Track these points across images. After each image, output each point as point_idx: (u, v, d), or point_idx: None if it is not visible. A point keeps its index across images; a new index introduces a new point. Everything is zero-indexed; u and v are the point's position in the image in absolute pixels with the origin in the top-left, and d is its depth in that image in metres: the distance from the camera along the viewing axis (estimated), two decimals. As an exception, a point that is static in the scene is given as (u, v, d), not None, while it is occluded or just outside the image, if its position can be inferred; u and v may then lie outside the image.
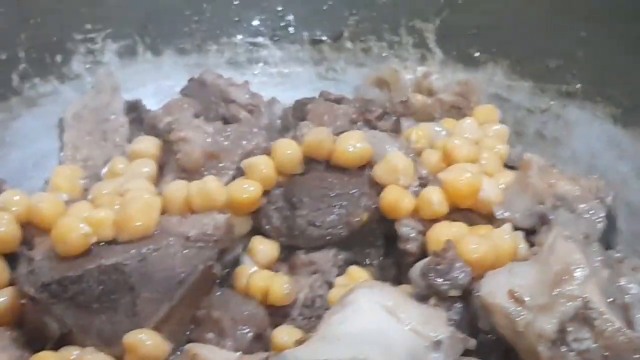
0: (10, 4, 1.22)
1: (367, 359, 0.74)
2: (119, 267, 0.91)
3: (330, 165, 1.07)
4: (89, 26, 1.30)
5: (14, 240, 0.97)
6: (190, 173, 1.07)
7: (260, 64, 1.38)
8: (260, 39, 1.38)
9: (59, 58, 1.28)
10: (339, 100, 1.19)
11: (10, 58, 1.23)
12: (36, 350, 0.90)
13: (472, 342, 0.84)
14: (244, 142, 1.10)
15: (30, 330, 0.94)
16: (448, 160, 1.08)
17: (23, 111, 1.25)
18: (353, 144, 1.05)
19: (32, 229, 0.99)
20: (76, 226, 0.92)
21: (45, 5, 1.24)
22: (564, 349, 0.81)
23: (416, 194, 1.03)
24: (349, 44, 1.38)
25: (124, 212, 0.95)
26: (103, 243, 0.93)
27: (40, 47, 1.26)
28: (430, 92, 1.31)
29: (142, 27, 1.33)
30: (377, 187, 1.04)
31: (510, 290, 0.84)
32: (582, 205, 1.03)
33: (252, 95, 1.24)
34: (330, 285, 1.00)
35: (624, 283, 0.94)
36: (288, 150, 1.07)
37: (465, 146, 1.09)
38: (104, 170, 1.16)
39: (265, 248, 1.04)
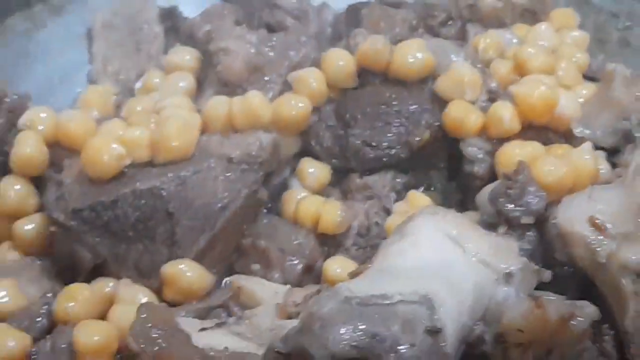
0: None
1: (429, 294, 0.73)
2: (156, 191, 0.91)
3: (388, 78, 1.05)
4: None
5: (42, 162, 0.98)
6: (232, 87, 1.07)
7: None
8: None
9: (87, -43, 1.27)
10: (397, 5, 1.18)
11: (33, -42, 1.23)
12: (68, 281, 0.91)
13: (546, 275, 0.83)
14: (291, 53, 1.09)
15: (61, 260, 0.96)
16: (520, 71, 1.06)
17: (48, 20, 1.25)
18: (413, 54, 1.04)
19: (60, 149, 0.99)
20: (108, 146, 0.92)
21: None
22: (651, 283, 0.81)
23: (484, 110, 1.01)
24: None
25: (160, 131, 0.95)
26: (138, 165, 0.94)
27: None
28: (502, -2, 1.28)
29: None
30: (440, 103, 1.02)
31: (591, 217, 0.83)
32: (675, 121, 1.01)
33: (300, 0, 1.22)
34: (387, 212, 1.00)
35: None
36: (340, 61, 1.05)
37: (540, 55, 1.07)
38: (138, 84, 1.17)
39: (315, 171, 1.04)
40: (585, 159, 0.94)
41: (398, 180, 1.03)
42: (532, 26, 1.18)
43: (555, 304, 0.76)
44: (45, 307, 0.88)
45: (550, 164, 0.92)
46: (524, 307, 0.75)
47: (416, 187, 1.04)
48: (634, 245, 0.81)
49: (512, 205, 0.88)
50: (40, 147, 0.98)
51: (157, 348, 0.74)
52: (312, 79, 1.04)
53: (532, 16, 1.24)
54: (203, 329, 0.81)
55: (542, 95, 0.99)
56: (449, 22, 1.12)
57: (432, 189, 1.06)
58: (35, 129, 0.98)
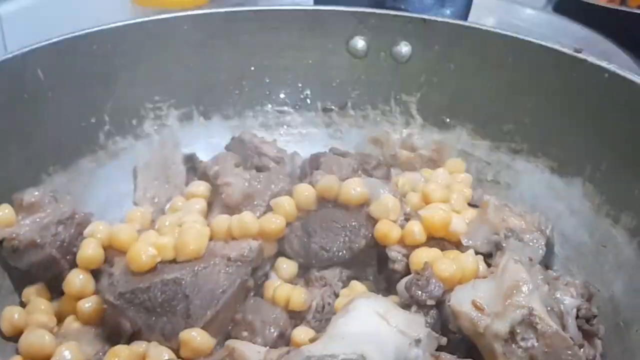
0: (98, 83, 1.23)
1: (364, 354, 0.74)
2: (177, 280, 0.91)
3: (337, 204, 1.06)
4: (157, 97, 1.30)
5: (99, 259, 0.98)
6: (231, 209, 1.07)
7: (285, 127, 1.38)
8: (285, 108, 1.39)
9: (134, 121, 1.29)
10: (344, 155, 1.20)
11: (99, 121, 1.24)
12: (114, 344, 0.91)
13: (443, 340, 0.84)
14: (273, 186, 1.10)
15: (109, 329, 0.94)
16: (426, 200, 1.08)
17: (107, 161, 1.26)
18: (354, 188, 1.05)
19: (112, 251, 0.99)
20: (145, 249, 0.93)
21: (125, 81, 1.25)
22: (514, 346, 0.81)
23: (402, 226, 1.02)
24: (351, 112, 1.38)
25: (182, 238, 0.95)
26: (166, 262, 0.94)
27: (121, 113, 1.27)
28: (412, 149, 1.31)
29: (197, 98, 1.34)
30: (373, 221, 1.03)
31: (473, 301, 0.84)
32: (527, 236, 1.03)
33: (279, 150, 1.24)
34: (336, 295, 1.00)
35: (559, 295, 0.94)
36: (306, 192, 1.07)
37: (439, 190, 1.09)
38: (167, 206, 1.17)
39: (287, 266, 1.04)
40: (470, 260, 0.96)
41: (344, 273, 1.03)
42: (433, 170, 1.21)
43: (448, 360, 0.76)
44: (97, 361, 0.88)
45: (446, 264, 0.93)
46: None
47: (356, 278, 1.03)
48: (502, 321, 0.82)
49: (420, 292, 0.89)
50: (99, 249, 0.98)
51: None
52: (287, 204, 1.05)
53: (434, 163, 1.28)
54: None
55: (441, 217, 1.01)
56: (378, 167, 1.14)
57: (367, 279, 1.05)
58: (96, 237, 0.98)
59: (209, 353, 0.90)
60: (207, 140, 1.31)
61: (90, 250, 0.97)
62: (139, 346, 0.89)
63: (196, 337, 0.89)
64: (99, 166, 1.24)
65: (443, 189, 1.10)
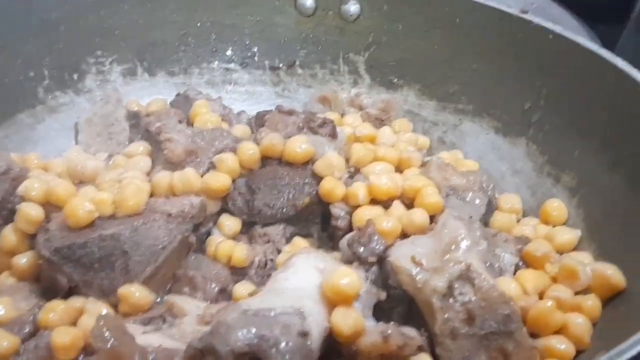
0: (37, 35, 1.19)
1: (302, 307, 0.73)
2: (116, 236, 0.89)
3: (282, 161, 1.05)
4: (99, 52, 1.27)
5: (39, 222, 0.94)
6: (174, 165, 1.04)
7: (232, 84, 1.37)
8: (232, 65, 1.37)
9: (75, 76, 1.26)
10: (290, 112, 1.17)
11: (37, 75, 1.21)
12: (49, 299, 0.89)
13: (383, 294, 0.84)
14: (217, 143, 1.08)
15: (45, 284, 0.93)
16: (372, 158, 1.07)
17: (46, 117, 1.23)
18: (299, 145, 1.04)
19: (49, 206, 0.95)
20: (83, 205, 0.90)
21: (65, 36, 1.22)
22: (451, 300, 0.81)
23: (346, 184, 1.02)
24: (299, 70, 1.37)
25: (121, 194, 0.93)
26: (104, 218, 0.91)
27: (61, 68, 1.24)
28: (360, 107, 1.31)
29: (141, 54, 1.31)
30: (317, 179, 1.02)
31: (412, 256, 0.84)
32: (469, 194, 1.03)
33: (224, 107, 1.22)
34: (279, 251, 0.99)
35: (498, 252, 0.95)
36: (250, 150, 1.05)
37: (383, 148, 1.09)
38: (109, 163, 1.14)
39: (230, 223, 1.02)
40: (412, 217, 0.95)
41: (287, 230, 1.02)
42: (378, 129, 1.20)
43: (394, 336, 0.75)
44: (32, 317, 0.85)
45: (388, 221, 0.93)
46: (374, 338, 0.75)
47: (299, 235, 1.03)
48: (439, 276, 0.82)
49: (362, 249, 0.89)
50: (38, 213, 0.94)
51: (109, 345, 0.72)
52: (231, 161, 1.04)
53: (381, 122, 1.27)
54: (145, 332, 0.79)
55: (386, 186, 0.99)
56: (324, 124, 1.12)
57: (311, 236, 1.04)
58: (30, 195, 0.95)
59: (148, 308, 0.88)
60: (151, 97, 1.28)
61: (29, 214, 0.94)
62: (76, 301, 0.88)
63: (135, 292, 0.88)
64: (37, 122, 1.21)
65: (387, 148, 1.09)
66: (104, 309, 0.87)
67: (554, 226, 1.04)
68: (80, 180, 1.02)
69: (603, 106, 1.06)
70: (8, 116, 1.18)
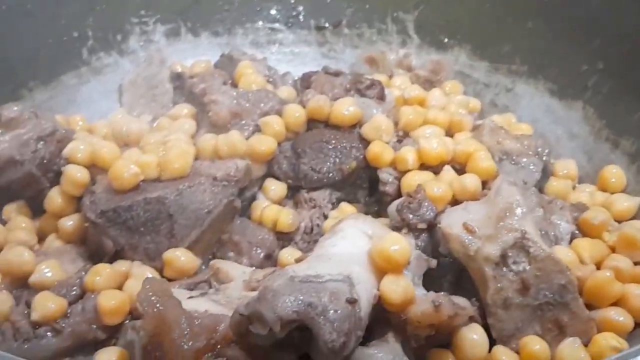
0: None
1: (350, 274, 0.72)
2: (161, 199, 0.89)
3: (328, 124, 1.03)
4: (142, 12, 1.26)
5: (84, 185, 0.94)
6: (219, 128, 1.03)
7: (277, 45, 1.34)
8: (276, 25, 1.34)
9: (119, 37, 1.25)
10: (337, 74, 1.16)
11: (81, 36, 1.20)
12: (96, 263, 0.89)
13: (433, 262, 0.82)
14: (262, 105, 1.06)
15: (91, 247, 0.92)
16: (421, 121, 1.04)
17: (90, 78, 1.22)
18: (347, 108, 1.01)
19: (94, 169, 0.95)
20: (128, 167, 0.90)
21: (109, -4, 1.21)
22: (505, 269, 0.79)
23: (394, 148, 0.99)
24: (346, 30, 1.34)
25: (166, 156, 0.92)
26: (149, 181, 0.91)
27: (105, 28, 1.23)
28: (409, 69, 1.27)
29: (185, 14, 1.29)
30: (365, 142, 1.00)
31: (465, 223, 0.81)
32: (523, 159, 0.99)
33: (269, 68, 1.20)
34: (325, 217, 0.97)
35: (554, 219, 0.92)
36: (296, 113, 1.03)
37: (434, 111, 1.05)
38: (154, 125, 1.13)
39: (276, 188, 1.00)
40: (467, 182, 0.92)
41: (333, 195, 1.00)
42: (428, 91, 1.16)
43: (446, 306, 0.74)
44: (79, 280, 0.85)
45: (439, 186, 0.90)
46: (424, 307, 0.73)
47: (346, 201, 1.01)
48: (493, 244, 0.79)
49: (412, 215, 0.87)
50: (83, 175, 0.94)
51: (155, 310, 0.71)
52: (276, 124, 1.02)
53: (430, 84, 1.23)
54: (190, 297, 0.79)
55: (437, 150, 0.96)
56: (372, 86, 1.10)
57: (358, 201, 1.02)
58: (76, 157, 0.95)
59: (194, 273, 0.88)
60: (195, 58, 1.26)
61: (75, 176, 0.93)
62: (121, 265, 0.88)
63: (180, 256, 0.87)
64: (82, 83, 1.21)
65: (438, 110, 1.06)
66: (149, 273, 0.86)
67: (612, 193, 1.01)
68: (124, 143, 1.01)
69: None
70: (53, 77, 1.17)
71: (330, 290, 0.68)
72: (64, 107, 1.16)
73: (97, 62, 1.22)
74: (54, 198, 0.95)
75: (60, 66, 1.18)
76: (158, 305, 0.72)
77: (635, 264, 0.87)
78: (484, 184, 0.92)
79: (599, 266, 0.87)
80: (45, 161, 0.97)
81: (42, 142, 0.97)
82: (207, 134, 1.02)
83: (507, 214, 0.82)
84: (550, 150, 1.05)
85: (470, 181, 0.91)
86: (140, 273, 0.86)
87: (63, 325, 0.80)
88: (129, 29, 1.25)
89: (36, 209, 0.98)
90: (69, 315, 0.81)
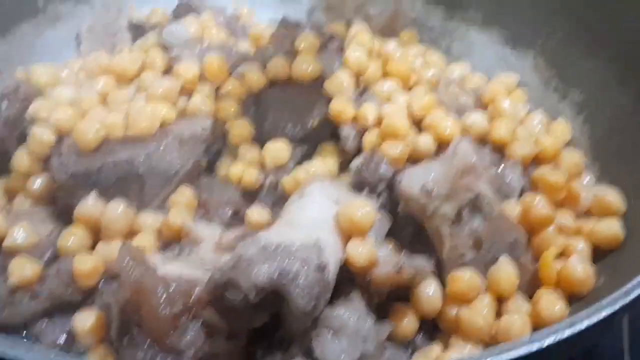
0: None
1: (319, 240, 0.75)
2: (130, 160, 0.90)
3: (290, 80, 1.03)
4: (98, -42, 1.23)
5: (51, 145, 0.94)
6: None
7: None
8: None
9: (75, -17, 1.22)
10: (295, 26, 1.15)
11: (37, -16, 1.18)
12: (67, 223, 0.90)
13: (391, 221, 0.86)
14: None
15: (61, 207, 0.94)
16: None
17: (48, 26, 1.21)
18: (307, 65, 1.02)
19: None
20: (92, 128, 0.91)
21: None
22: (460, 227, 0.84)
23: (356, 103, 1.01)
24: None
25: (133, 116, 0.93)
26: (118, 141, 0.92)
27: (60, -24, 1.20)
28: (366, 16, 1.27)
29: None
30: (327, 98, 1.01)
31: (423, 186, 0.84)
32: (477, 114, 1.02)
33: (228, 18, 1.20)
34: (289, 173, 0.99)
35: (506, 174, 0.96)
36: (255, 76, 1.03)
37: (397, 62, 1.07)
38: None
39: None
40: (422, 141, 0.95)
41: (297, 150, 1.01)
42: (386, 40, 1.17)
43: (406, 268, 0.78)
44: (51, 242, 0.87)
45: (396, 146, 0.93)
46: (387, 269, 0.78)
47: (308, 155, 1.02)
48: (449, 203, 0.84)
49: (371, 174, 0.91)
50: (50, 136, 0.94)
51: (132, 277, 0.74)
52: (237, 87, 1.03)
53: (388, 31, 1.25)
54: (164, 262, 0.82)
55: (399, 124, 0.96)
56: (332, 40, 1.09)
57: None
58: (41, 117, 0.95)
59: (166, 233, 0.90)
60: (152, 5, 1.24)
61: (41, 137, 0.94)
62: (93, 225, 0.89)
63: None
64: (39, 32, 1.19)
65: (396, 64, 1.07)
66: (122, 236, 0.88)
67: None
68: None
69: (617, 20, 1.05)
70: (10, 28, 1.15)
71: (300, 258, 0.72)
72: (22, 58, 1.14)
73: (54, 10, 1.20)
74: (21, 158, 0.95)
75: (16, 16, 1.16)
76: (135, 272, 0.74)
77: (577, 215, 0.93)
78: (442, 142, 0.96)
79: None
80: (9, 120, 0.97)
81: (5, 101, 0.97)
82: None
83: (464, 173, 0.86)
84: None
85: (425, 141, 0.95)
86: (112, 234, 0.88)
87: (39, 288, 0.83)
88: (87, -23, 1.23)
89: (3, 169, 0.98)
90: (44, 278, 0.83)
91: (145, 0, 1.26)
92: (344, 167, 1.00)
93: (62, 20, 1.21)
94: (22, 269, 0.82)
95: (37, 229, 0.89)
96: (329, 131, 1.03)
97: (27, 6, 1.17)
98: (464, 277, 0.82)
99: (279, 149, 0.99)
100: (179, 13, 1.20)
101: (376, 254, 0.78)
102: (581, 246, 0.88)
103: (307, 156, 1.02)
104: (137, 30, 1.18)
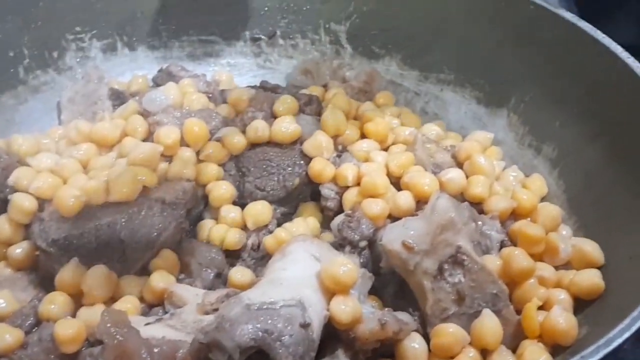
0: (15, 14, 1.18)
1: (302, 298, 0.76)
2: (112, 225, 0.91)
3: (270, 142, 1.05)
4: (78, 28, 1.26)
5: (33, 213, 0.96)
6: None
7: (213, 57, 1.36)
8: (212, 37, 1.36)
9: (55, 54, 1.24)
10: (274, 89, 1.19)
11: (17, 55, 1.20)
12: (49, 290, 0.90)
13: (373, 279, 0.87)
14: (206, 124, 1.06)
15: (43, 274, 0.94)
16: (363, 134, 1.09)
17: (28, 97, 1.22)
18: (286, 127, 1.05)
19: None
20: (71, 194, 0.91)
21: (43, 13, 1.20)
22: (442, 282, 0.85)
23: (335, 164, 1.03)
24: (281, 41, 1.37)
25: (113, 181, 0.93)
26: (99, 206, 0.92)
27: (40, 46, 1.22)
28: (343, 80, 1.31)
29: (121, 28, 1.30)
30: (306, 159, 1.04)
31: (404, 241, 0.85)
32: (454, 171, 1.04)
33: (209, 84, 1.22)
34: (271, 233, 0.99)
35: (485, 229, 0.98)
36: (235, 139, 1.05)
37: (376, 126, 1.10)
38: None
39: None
40: (402, 199, 0.97)
41: (278, 211, 1.03)
42: (363, 103, 1.20)
43: (391, 323, 0.79)
44: (33, 309, 0.87)
45: (376, 203, 0.95)
46: (372, 326, 0.78)
47: (290, 215, 1.04)
48: (430, 258, 0.85)
49: (352, 233, 0.92)
50: (32, 204, 0.95)
51: (115, 341, 0.74)
52: (217, 151, 1.05)
53: (365, 94, 1.28)
54: (147, 324, 0.82)
55: (379, 182, 0.98)
56: (310, 102, 1.13)
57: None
58: (22, 185, 0.96)
59: (148, 298, 0.90)
60: (133, 72, 1.28)
61: (22, 205, 0.95)
62: (75, 292, 0.89)
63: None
64: (20, 103, 1.21)
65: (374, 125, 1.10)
66: (103, 299, 0.88)
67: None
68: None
69: (583, 78, 1.09)
70: (-10, 99, 1.17)
71: (284, 316, 0.73)
72: (2, 129, 1.16)
73: (35, 80, 1.22)
74: (2, 226, 0.96)
75: (-4, 88, 1.18)
76: (118, 336, 0.74)
77: (557, 268, 0.95)
78: (421, 199, 0.98)
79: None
80: (-11, 189, 0.97)
81: (-16, 171, 0.98)
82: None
83: (443, 229, 0.87)
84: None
85: (404, 199, 0.97)
86: (94, 299, 0.87)
87: (21, 356, 0.82)
88: (65, 46, 1.25)
89: (-17, 237, 0.98)
90: (25, 346, 0.82)
91: (125, 68, 1.29)
92: (325, 226, 1.02)
93: (42, 90, 1.23)
94: (3, 337, 0.82)
95: (18, 296, 0.89)
96: (310, 191, 1.05)
97: (8, 77, 1.19)
98: (448, 331, 0.82)
99: (260, 210, 1.00)
100: (159, 80, 1.23)
101: (360, 310, 0.79)
102: (562, 297, 0.89)
103: (288, 216, 1.04)
104: (118, 98, 1.19)
